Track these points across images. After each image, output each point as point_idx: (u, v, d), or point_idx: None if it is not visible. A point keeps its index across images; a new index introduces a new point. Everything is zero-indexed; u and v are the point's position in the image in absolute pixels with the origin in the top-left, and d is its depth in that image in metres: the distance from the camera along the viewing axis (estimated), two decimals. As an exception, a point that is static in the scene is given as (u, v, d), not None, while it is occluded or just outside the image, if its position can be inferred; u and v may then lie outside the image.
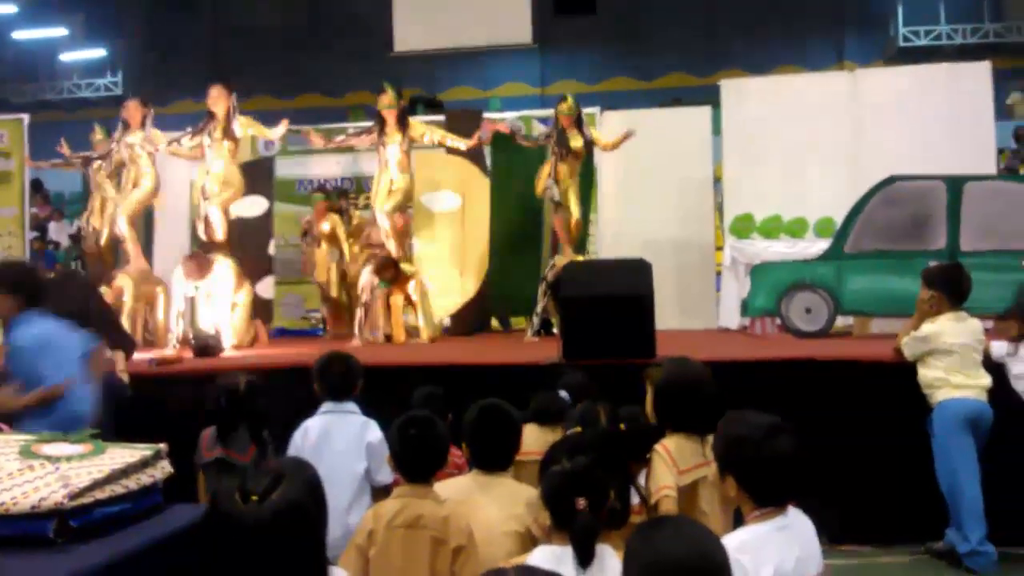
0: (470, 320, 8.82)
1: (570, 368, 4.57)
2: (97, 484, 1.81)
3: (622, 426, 3.19)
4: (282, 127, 7.87)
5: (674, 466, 2.96)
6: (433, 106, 15.71)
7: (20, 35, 17.43)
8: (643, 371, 3.43)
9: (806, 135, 8.55)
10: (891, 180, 6.80)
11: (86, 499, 1.78)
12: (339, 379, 4.02)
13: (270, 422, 3.96)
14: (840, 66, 15.79)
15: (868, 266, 6.71)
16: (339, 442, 3.85)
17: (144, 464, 1.98)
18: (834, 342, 6.52)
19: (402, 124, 7.72)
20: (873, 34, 17.00)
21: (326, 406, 3.98)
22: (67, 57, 17.84)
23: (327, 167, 10.25)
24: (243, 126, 7.68)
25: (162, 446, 2.08)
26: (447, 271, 8.98)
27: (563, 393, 3.98)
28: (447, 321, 8.86)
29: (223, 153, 7.63)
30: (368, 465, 3.78)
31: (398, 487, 2.93)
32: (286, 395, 4.55)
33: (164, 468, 2.06)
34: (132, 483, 1.92)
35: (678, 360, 3.34)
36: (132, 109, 7.92)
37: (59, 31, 17.22)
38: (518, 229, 8.69)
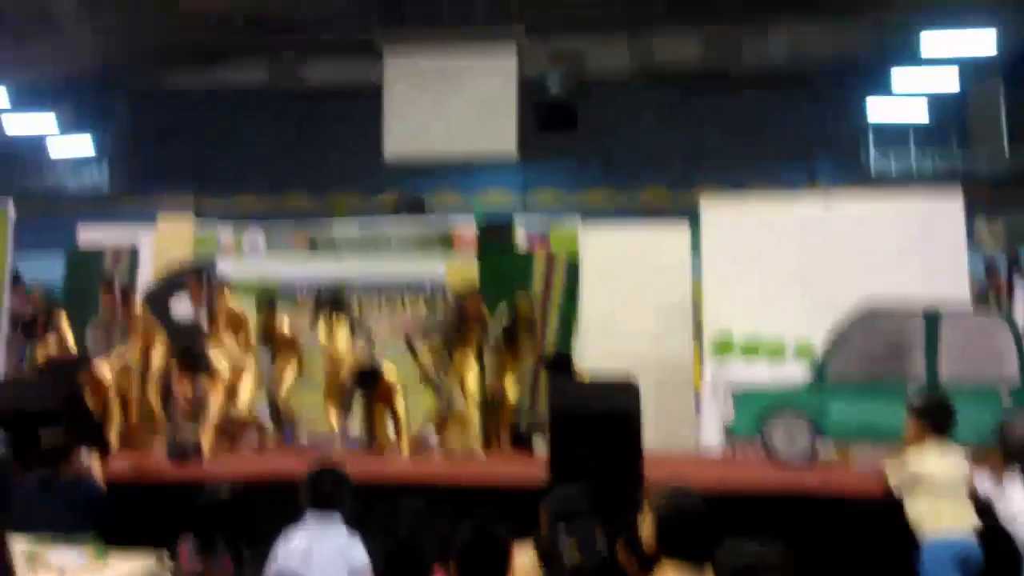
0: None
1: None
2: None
3: (620, 551, 3.16)
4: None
5: (673, 597, 2.93)
6: (416, 208, 15.92)
7: (6, 120, 17.44)
8: (642, 495, 3.41)
9: (783, 256, 8.65)
10: (869, 309, 6.97)
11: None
12: (327, 491, 3.97)
13: (250, 535, 3.88)
14: (812, 186, 16.26)
15: (849, 393, 6.80)
16: (322, 557, 3.79)
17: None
18: (818, 472, 6.53)
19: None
20: (844, 157, 17.58)
21: (311, 517, 3.92)
22: (53, 146, 17.87)
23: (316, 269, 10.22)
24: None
25: (164, 558, 2.05)
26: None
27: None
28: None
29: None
30: (350, 584, 3.70)
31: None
32: (266, 507, 4.46)
33: (166, 584, 2.02)
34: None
35: (680, 489, 3.35)
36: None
37: (46, 118, 17.25)
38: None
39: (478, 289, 8.17)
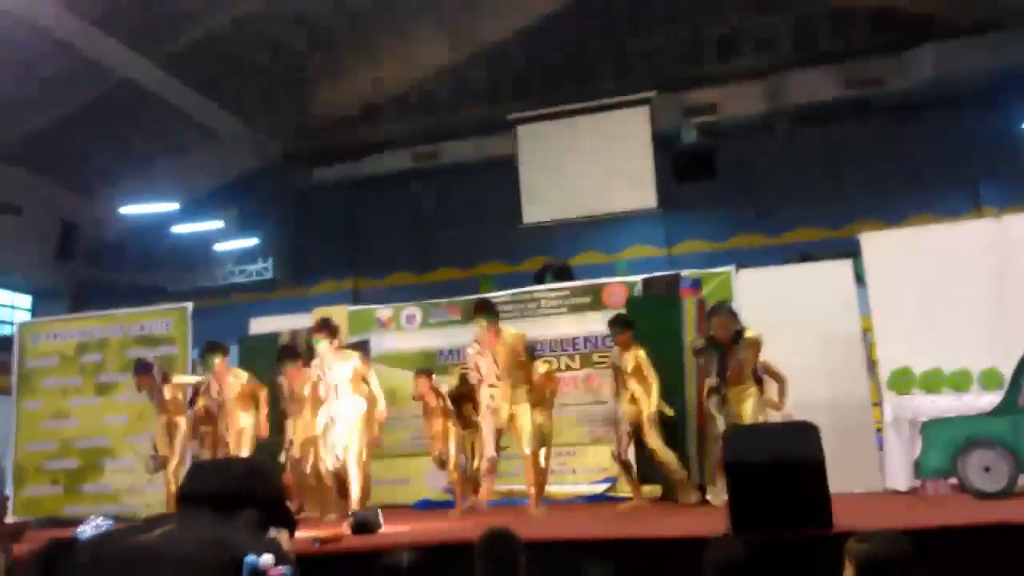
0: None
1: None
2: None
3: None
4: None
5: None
6: (563, 275, 15.93)
7: (179, 229, 18.82)
8: (843, 545, 3.20)
9: (958, 284, 8.24)
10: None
11: None
12: (501, 557, 3.93)
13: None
14: (978, 213, 15.33)
15: (1049, 419, 6.27)
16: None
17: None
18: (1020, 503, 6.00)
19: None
20: (1011, 178, 16.49)
21: (491, 586, 3.88)
22: (221, 247, 19.12)
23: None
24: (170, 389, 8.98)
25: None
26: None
27: None
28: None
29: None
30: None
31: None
32: (448, 573, 4.48)
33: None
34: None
35: (883, 534, 3.11)
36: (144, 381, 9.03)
37: (215, 224, 18.52)
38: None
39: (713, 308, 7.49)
